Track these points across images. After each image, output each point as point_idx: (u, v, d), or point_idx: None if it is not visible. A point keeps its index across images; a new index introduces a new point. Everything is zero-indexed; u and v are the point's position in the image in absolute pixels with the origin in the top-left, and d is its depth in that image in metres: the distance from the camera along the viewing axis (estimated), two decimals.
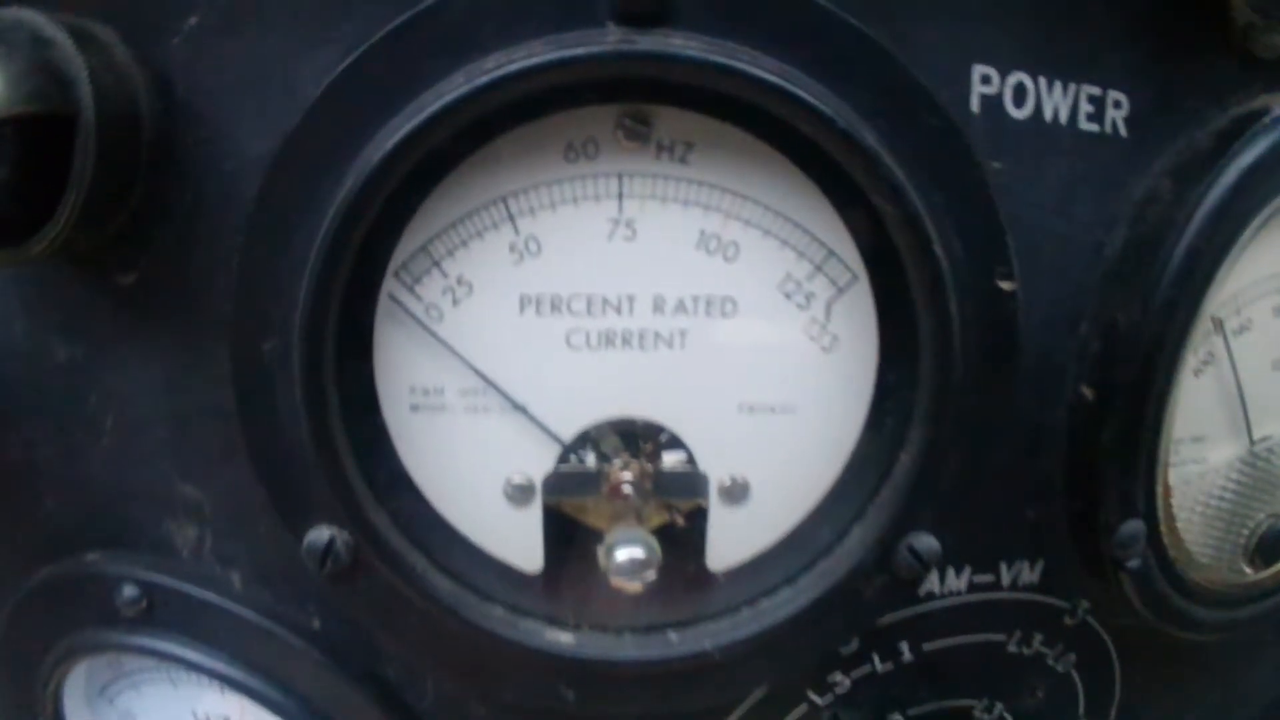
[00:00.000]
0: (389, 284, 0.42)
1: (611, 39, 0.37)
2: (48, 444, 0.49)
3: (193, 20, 0.41)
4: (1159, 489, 0.48)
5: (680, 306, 0.42)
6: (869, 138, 0.38)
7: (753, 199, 0.41)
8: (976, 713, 0.53)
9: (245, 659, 0.49)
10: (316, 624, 0.48)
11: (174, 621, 0.49)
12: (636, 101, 0.40)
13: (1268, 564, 0.54)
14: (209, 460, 0.46)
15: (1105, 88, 0.45)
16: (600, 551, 0.43)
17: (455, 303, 0.42)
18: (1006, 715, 0.54)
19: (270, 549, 0.47)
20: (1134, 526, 0.48)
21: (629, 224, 0.41)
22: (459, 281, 0.42)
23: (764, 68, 0.37)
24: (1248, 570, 0.54)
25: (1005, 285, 0.42)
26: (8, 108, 0.38)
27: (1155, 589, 0.50)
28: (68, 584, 0.50)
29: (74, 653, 0.52)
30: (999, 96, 0.43)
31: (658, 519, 0.45)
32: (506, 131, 0.40)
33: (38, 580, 0.51)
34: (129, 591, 0.49)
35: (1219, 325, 0.49)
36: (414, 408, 0.43)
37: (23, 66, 0.39)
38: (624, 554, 0.42)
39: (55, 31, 0.40)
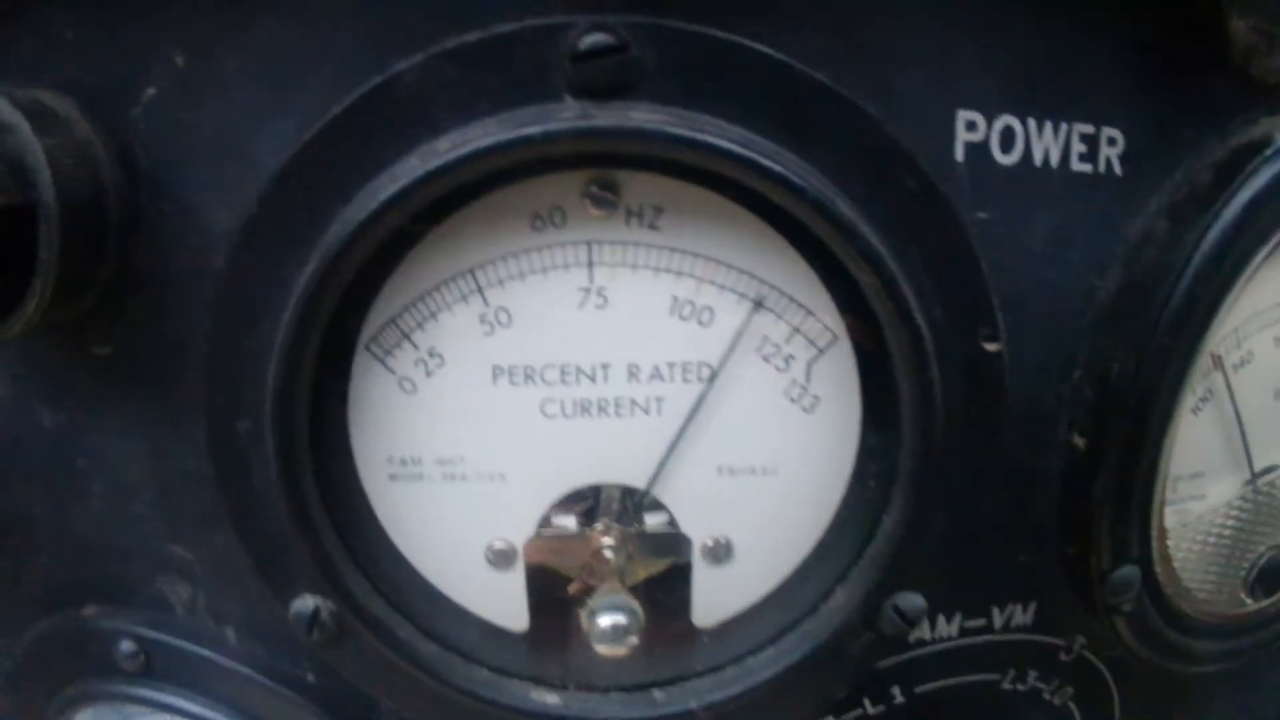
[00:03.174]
0: (361, 357, 0.40)
1: (569, 114, 0.35)
2: (40, 504, 0.48)
3: (150, 91, 0.40)
4: (1154, 533, 0.46)
5: (656, 374, 0.41)
6: (842, 206, 0.36)
7: (726, 263, 0.39)
8: None
9: (243, 711, 0.49)
10: (310, 678, 0.48)
11: (172, 675, 0.49)
12: (603, 168, 0.38)
13: (1268, 594, 0.52)
14: (196, 523, 0.45)
15: (1099, 125, 0.42)
16: (583, 616, 0.42)
17: (428, 374, 0.41)
18: None
19: (261, 608, 0.46)
20: (1128, 573, 0.46)
21: (600, 292, 0.40)
22: (430, 354, 0.40)
23: (729, 138, 0.35)
24: (1248, 601, 0.52)
25: (990, 347, 0.40)
26: None
27: (1151, 628, 0.48)
28: (68, 638, 0.50)
29: (79, 700, 0.52)
30: (985, 143, 0.40)
31: (644, 572, 0.44)
32: (471, 203, 0.38)
33: (40, 630, 0.51)
34: (126, 647, 0.49)
35: (1218, 362, 0.47)
36: (392, 477, 0.42)
37: None
38: (606, 620, 0.41)
39: (12, 116, 0.38)
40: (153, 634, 0.48)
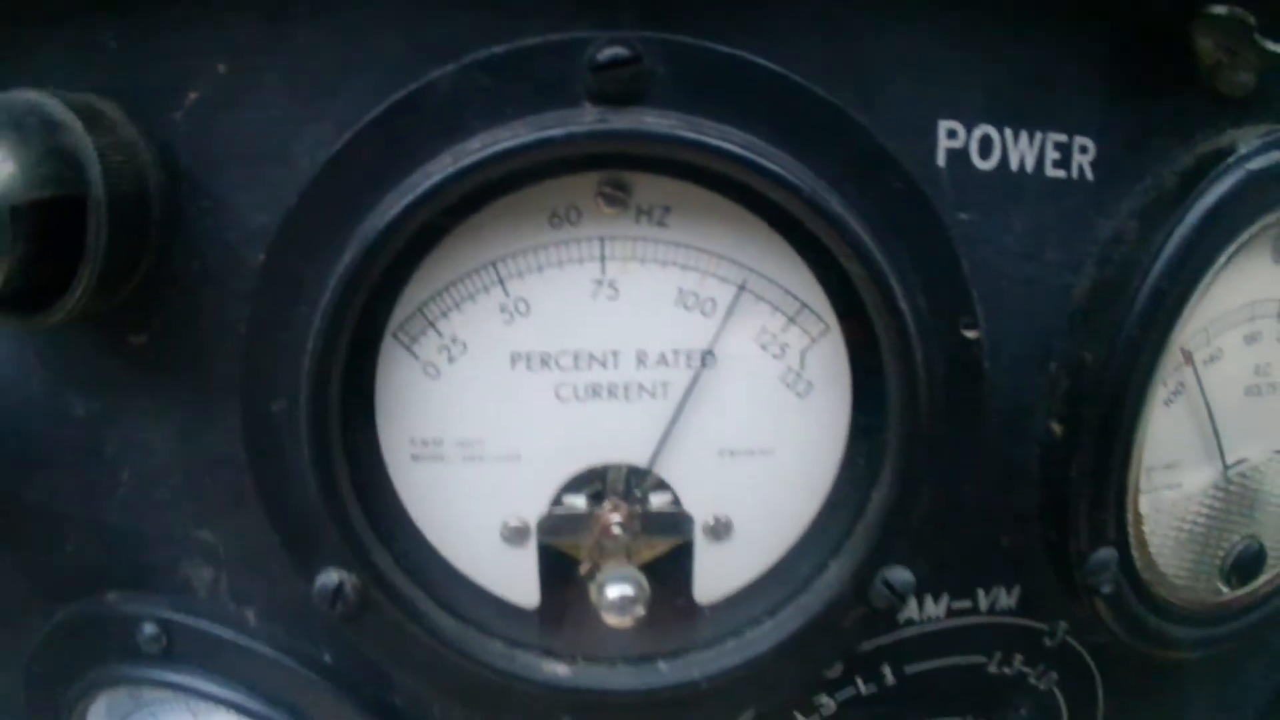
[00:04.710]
0: (389, 344, 0.46)
1: (588, 118, 0.41)
2: (68, 492, 0.53)
3: (192, 95, 0.46)
4: (1129, 517, 0.52)
5: (662, 360, 0.47)
6: (834, 203, 0.42)
7: (728, 258, 0.45)
8: None
9: (261, 691, 0.54)
10: (328, 657, 0.53)
11: (192, 657, 0.54)
12: (616, 170, 0.44)
13: (1244, 583, 0.58)
14: (222, 507, 0.51)
15: (1071, 134, 0.49)
16: (592, 589, 0.48)
17: (451, 360, 0.46)
18: None
19: (283, 588, 0.51)
20: (1105, 554, 0.52)
21: (611, 284, 0.46)
22: (454, 340, 0.46)
23: (732, 141, 0.41)
24: (1224, 589, 0.58)
25: (970, 334, 0.46)
26: (25, 193, 0.42)
27: (1130, 611, 0.54)
28: (90, 622, 0.55)
29: (97, 686, 0.57)
30: (965, 149, 0.47)
31: (648, 553, 0.50)
32: (494, 200, 0.44)
33: (61, 617, 0.56)
34: (149, 629, 0.54)
35: (1189, 357, 0.53)
36: (414, 458, 0.48)
37: (38, 153, 0.43)
38: (614, 592, 0.47)
39: (65, 115, 0.44)
40: (175, 616, 0.53)
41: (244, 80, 0.45)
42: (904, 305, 0.43)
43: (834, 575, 0.48)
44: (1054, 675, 0.58)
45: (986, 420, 0.48)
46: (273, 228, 0.45)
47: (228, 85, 0.45)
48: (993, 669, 0.56)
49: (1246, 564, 0.58)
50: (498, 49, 0.41)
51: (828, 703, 0.54)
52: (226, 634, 0.53)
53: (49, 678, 0.58)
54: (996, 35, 0.46)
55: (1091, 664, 0.59)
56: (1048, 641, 0.57)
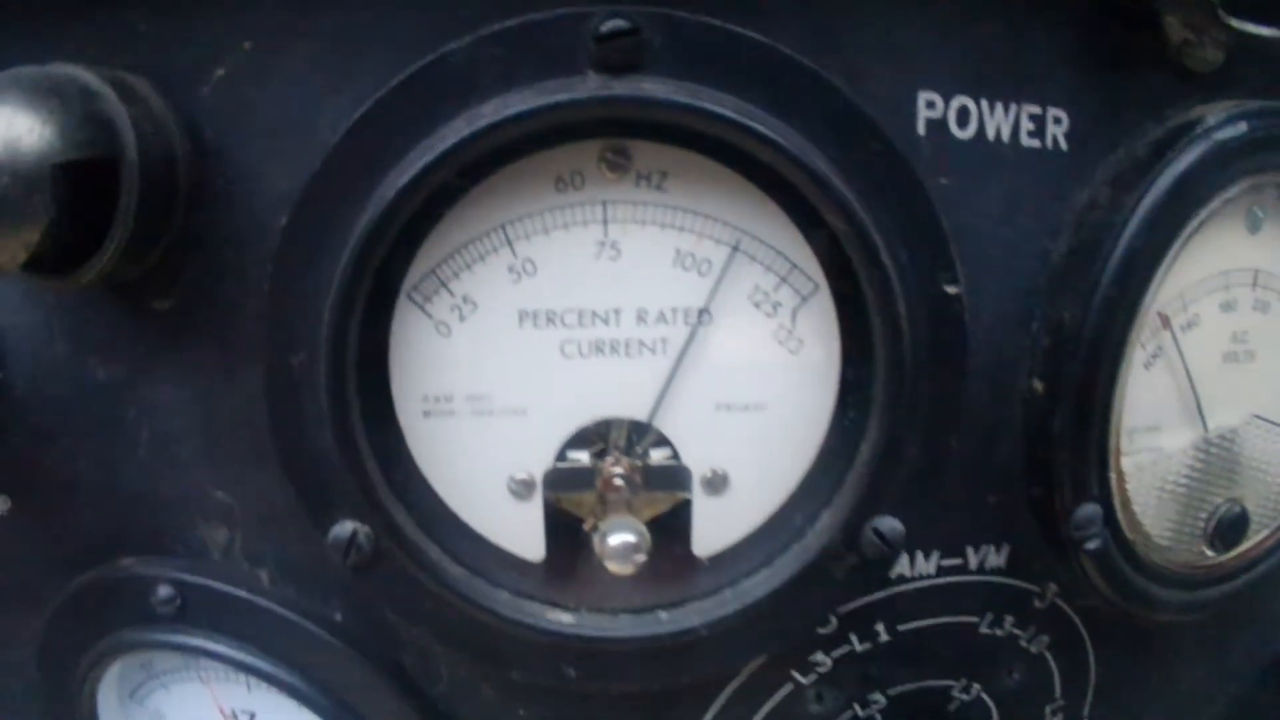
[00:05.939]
0: (403, 303, 0.52)
1: (591, 85, 0.47)
2: (86, 457, 0.58)
3: (219, 72, 0.51)
4: (1113, 476, 0.58)
5: (661, 317, 0.52)
6: (820, 164, 0.48)
7: (723, 220, 0.51)
8: (954, 693, 0.63)
9: (272, 651, 0.59)
10: (338, 616, 0.58)
11: (206, 618, 0.59)
12: (617, 137, 0.50)
13: (1228, 547, 0.63)
14: (239, 467, 0.56)
15: (1045, 106, 0.55)
16: (595, 538, 0.53)
17: (462, 319, 0.52)
18: (984, 695, 0.63)
19: (296, 548, 0.56)
20: (1090, 510, 0.57)
21: (614, 245, 0.51)
22: (464, 300, 0.52)
23: (725, 106, 0.48)
24: (1209, 553, 0.63)
25: (950, 289, 0.52)
26: (63, 154, 0.47)
27: (1115, 569, 0.59)
28: (104, 587, 0.60)
29: (111, 652, 0.61)
30: (943, 119, 0.53)
31: (648, 510, 0.55)
32: (503, 166, 0.50)
33: (75, 586, 0.61)
34: (163, 591, 0.58)
35: (1166, 321, 0.59)
36: (426, 413, 0.53)
37: (76, 117, 0.48)
38: (617, 539, 0.52)
39: (101, 85, 0.50)
40: (189, 577, 0.58)
41: (269, 56, 0.51)
42: (887, 260, 0.49)
43: (826, 525, 0.53)
44: (1045, 639, 0.63)
45: (969, 373, 0.53)
46: (295, 193, 0.50)
47: (253, 62, 0.51)
48: (984, 629, 0.61)
49: (1229, 527, 0.63)
50: (509, 22, 0.47)
51: (824, 660, 0.59)
52: (240, 594, 0.58)
53: (63, 648, 0.63)
54: (971, 10, 0.52)
55: (1083, 629, 0.64)
56: (1038, 603, 0.62)
